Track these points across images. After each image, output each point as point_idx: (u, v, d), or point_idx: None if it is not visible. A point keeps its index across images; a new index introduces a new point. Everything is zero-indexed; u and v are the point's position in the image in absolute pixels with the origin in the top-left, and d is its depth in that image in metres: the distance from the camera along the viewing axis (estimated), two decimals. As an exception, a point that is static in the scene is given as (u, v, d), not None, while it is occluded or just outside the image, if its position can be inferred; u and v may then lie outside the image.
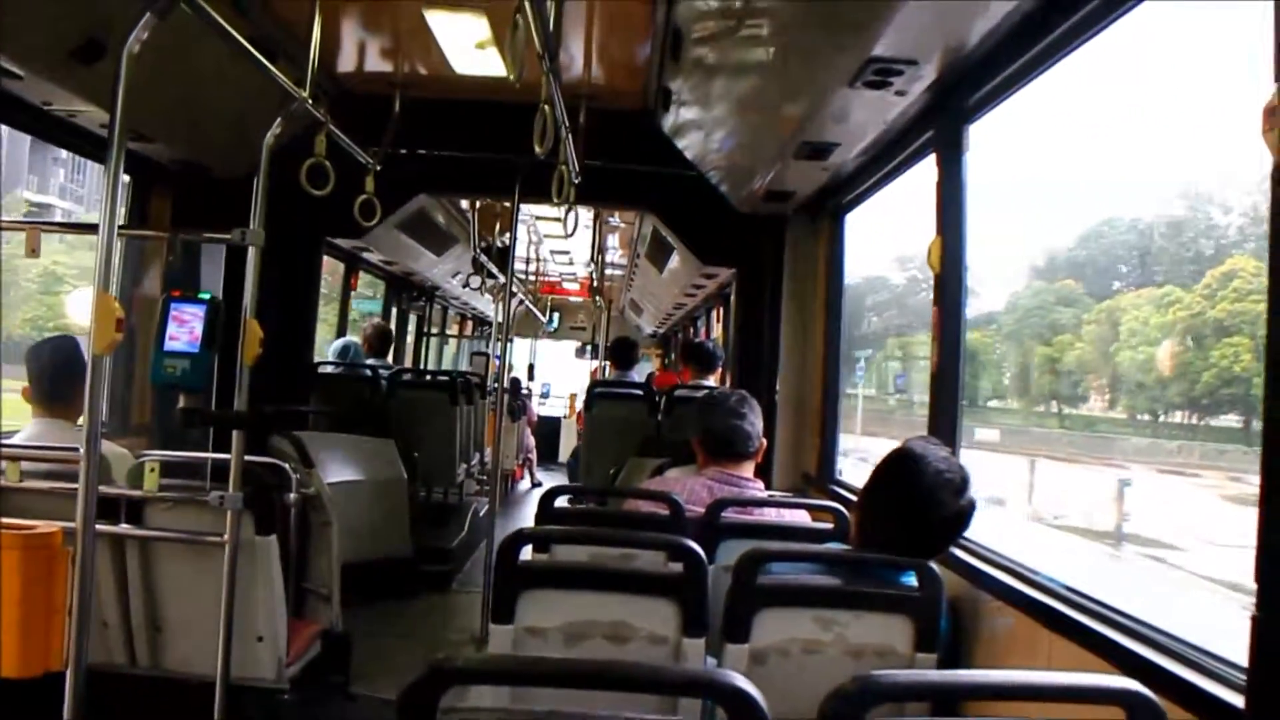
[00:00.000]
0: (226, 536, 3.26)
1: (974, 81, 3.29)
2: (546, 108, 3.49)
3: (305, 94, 3.56)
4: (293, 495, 3.89)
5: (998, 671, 2.39)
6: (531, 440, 14.10)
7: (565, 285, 16.56)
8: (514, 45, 2.92)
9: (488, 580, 5.73)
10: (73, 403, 3.67)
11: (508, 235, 6.65)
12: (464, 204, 8.90)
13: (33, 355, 3.73)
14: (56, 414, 3.67)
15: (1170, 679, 1.95)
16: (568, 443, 14.93)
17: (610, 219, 10.35)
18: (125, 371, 5.13)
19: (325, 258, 7.23)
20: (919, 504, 2.60)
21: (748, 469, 3.64)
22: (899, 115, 3.74)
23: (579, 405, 11.25)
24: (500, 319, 6.35)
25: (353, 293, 9.65)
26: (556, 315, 17.78)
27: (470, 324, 16.75)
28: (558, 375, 19.64)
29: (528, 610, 2.66)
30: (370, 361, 8.58)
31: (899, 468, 2.66)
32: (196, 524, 3.37)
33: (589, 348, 16.28)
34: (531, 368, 17.60)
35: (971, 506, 2.63)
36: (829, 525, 3.43)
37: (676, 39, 4.26)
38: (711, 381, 7.12)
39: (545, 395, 18.06)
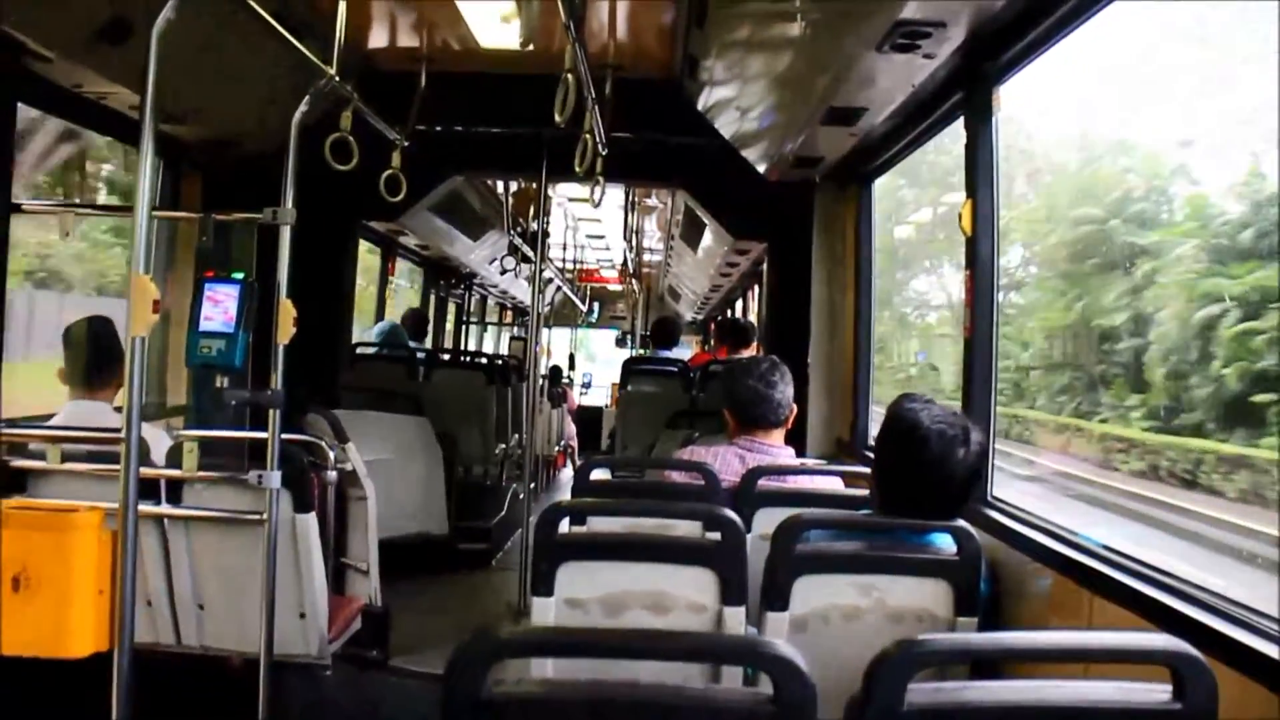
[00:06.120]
0: (265, 515, 3.29)
1: (1003, 43, 3.25)
2: (570, 76, 3.47)
3: (333, 70, 3.55)
4: (330, 473, 3.91)
5: (1041, 633, 2.38)
6: (572, 428, 14.00)
7: (603, 273, 16.50)
8: (531, 9, 2.90)
9: (525, 558, 5.76)
10: (110, 383, 3.68)
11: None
12: (498, 188, 8.90)
13: (69, 335, 3.73)
14: (94, 394, 3.68)
15: (1218, 638, 1.93)
16: (609, 431, 14.86)
17: (646, 199, 10.29)
18: (158, 351, 5.16)
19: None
20: (934, 470, 2.59)
21: (777, 436, 3.65)
22: (927, 79, 3.70)
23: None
24: (535, 302, 6.32)
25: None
26: (596, 305, 17.69)
27: (510, 313, 16.77)
28: (599, 366, 19.48)
29: (567, 582, 2.67)
30: (411, 344, 8.63)
31: (904, 443, 2.63)
32: (235, 503, 3.39)
33: (628, 336, 16.24)
34: (572, 357, 17.52)
35: (982, 449, 2.62)
36: (864, 491, 3.43)
37: (702, 5, 4.22)
38: (747, 355, 7.11)
39: (587, 385, 17.94)
